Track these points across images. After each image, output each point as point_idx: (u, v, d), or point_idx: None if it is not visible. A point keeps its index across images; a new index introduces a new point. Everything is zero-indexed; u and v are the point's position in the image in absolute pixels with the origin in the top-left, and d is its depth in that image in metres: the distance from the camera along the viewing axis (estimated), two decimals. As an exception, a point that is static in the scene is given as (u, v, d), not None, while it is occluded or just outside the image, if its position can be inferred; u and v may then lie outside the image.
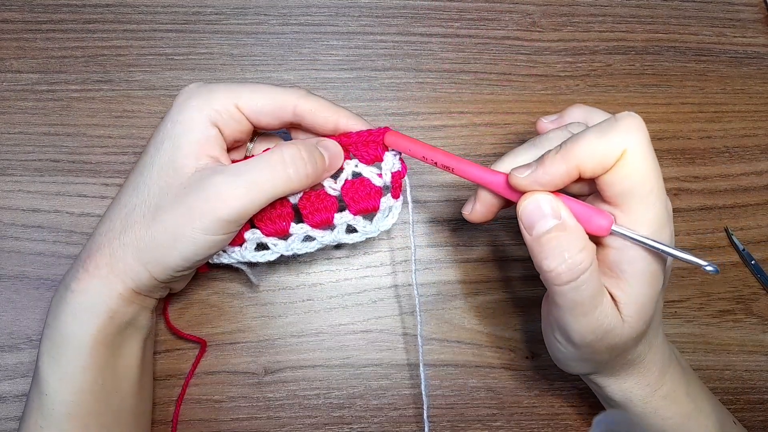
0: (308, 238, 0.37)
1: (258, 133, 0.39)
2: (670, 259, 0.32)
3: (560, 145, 0.31)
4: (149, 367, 0.39)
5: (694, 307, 0.47)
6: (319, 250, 0.38)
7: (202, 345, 0.42)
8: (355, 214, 0.37)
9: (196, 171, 0.33)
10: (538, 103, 0.50)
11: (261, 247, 0.37)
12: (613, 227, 0.30)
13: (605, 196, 0.31)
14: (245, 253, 0.36)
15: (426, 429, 0.37)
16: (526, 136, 0.49)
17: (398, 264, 0.45)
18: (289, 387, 0.43)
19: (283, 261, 0.44)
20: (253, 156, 0.36)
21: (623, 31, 0.53)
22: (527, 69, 0.51)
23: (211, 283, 0.44)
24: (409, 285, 0.45)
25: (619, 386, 0.36)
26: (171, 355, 0.42)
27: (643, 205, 0.30)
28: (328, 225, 0.37)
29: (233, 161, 0.36)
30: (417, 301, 0.38)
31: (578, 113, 0.38)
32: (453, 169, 0.34)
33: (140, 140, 0.45)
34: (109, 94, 0.46)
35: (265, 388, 0.42)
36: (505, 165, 0.34)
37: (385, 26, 0.50)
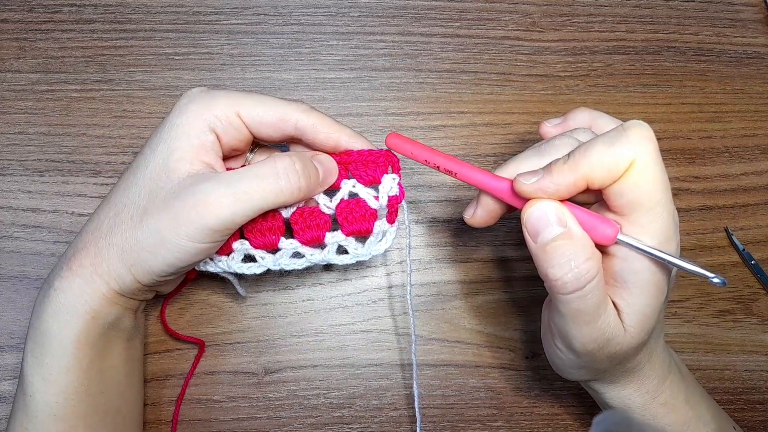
0: (297, 255, 0.36)
1: (258, 144, 0.38)
2: (674, 269, 0.32)
3: (568, 155, 0.30)
4: (138, 368, 0.39)
5: (694, 307, 0.47)
6: (307, 268, 0.37)
7: (200, 345, 0.42)
8: (347, 235, 0.36)
9: (188, 176, 0.32)
10: (538, 103, 0.50)
11: (248, 258, 0.36)
12: (619, 236, 0.30)
13: (611, 206, 0.31)
14: (232, 263, 0.36)
15: (418, 425, 0.37)
16: (527, 136, 0.49)
17: (398, 264, 0.45)
18: (289, 387, 0.43)
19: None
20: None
21: (623, 31, 0.53)
22: (527, 69, 0.51)
23: (211, 283, 0.44)
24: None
25: (617, 393, 0.36)
26: (171, 355, 0.42)
27: (650, 215, 0.30)
28: (318, 243, 0.36)
29: (230, 169, 0.35)
30: (412, 323, 0.38)
31: (582, 117, 0.37)
32: (455, 173, 0.34)
33: (140, 140, 0.45)
34: (109, 94, 0.46)
35: (265, 388, 0.42)
36: (508, 170, 0.34)
37: (385, 26, 0.50)
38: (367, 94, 0.49)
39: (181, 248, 0.32)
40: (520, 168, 0.33)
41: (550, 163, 0.31)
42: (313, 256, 0.36)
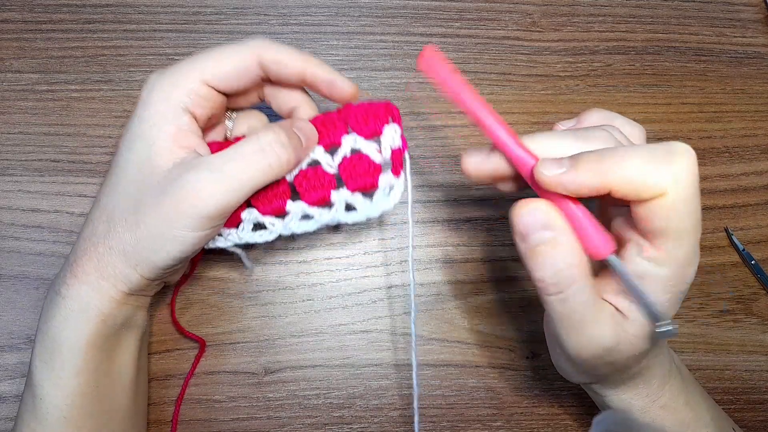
0: (306, 217, 0.36)
1: (234, 109, 0.38)
2: (688, 284, 0.30)
3: (600, 153, 0.28)
4: (144, 367, 0.39)
5: (694, 307, 0.47)
6: (318, 229, 0.36)
7: (201, 344, 0.42)
8: (353, 192, 0.35)
9: (173, 166, 0.32)
10: (538, 103, 0.50)
11: (258, 227, 0.36)
12: (610, 258, 0.29)
13: (638, 228, 0.29)
14: (242, 234, 0.35)
15: (416, 425, 0.37)
16: (526, 136, 0.49)
17: (398, 264, 0.45)
18: (289, 387, 0.43)
19: (283, 261, 0.44)
20: (234, 140, 0.35)
21: (623, 31, 0.53)
22: (527, 69, 0.51)
23: (211, 283, 0.44)
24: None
25: (618, 397, 0.36)
26: (171, 355, 0.42)
27: (675, 243, 0.28)
28: (325, 203, 0.36)
29: (214, 143, 0.35)
30: (411, 282, 0.38)
31: (596, 118, 0.35)
32: (484, 126, 0.31)
33: (140, 140, 0.45)
34: (109, 94, 0.46)
35: (265, 388, 0.42)
36: (537, 143, 0.31)
37: (385, 26, 0.50)
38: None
39: (182, 240, 0.32)
40: (548, 144, 0.31)
41: (578, 157, 0.28)
42: (322, 216, 0.36)
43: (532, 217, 0.29)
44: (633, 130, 0.34)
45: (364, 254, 0.45)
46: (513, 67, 0.51)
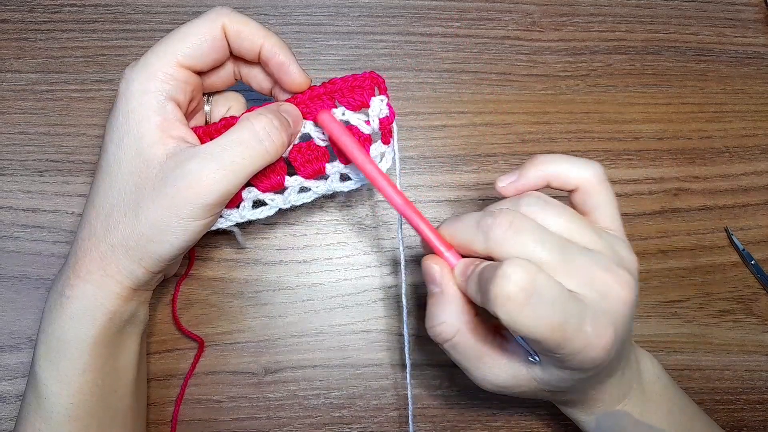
0: (304, 189, 0.37)
1: (210, 93, 0.38)
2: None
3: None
4: (144, 364, 0.39)
5: (694, 307, 0.47)
6: (316, 199, 0.38)
7: (200, 344, 0.42)
8: (345, 164, 0.36)
9: (167, 158, 0.32)
10: (538, 103, 0.50)
11: (258, 204, 0.37)
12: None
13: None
14: (244, 213, 0.36)
15: (410, 425, 0.38)
16: (526, 136, 0.49)
17: (398, 264, 0.45)
18: (289, 387, 0.43)
19: (283, 261, 0.44)
20: (220, 123, 0.35)
21: (623, 31, 0.53)
22: (527, 69, 0.51)
23: (211, 283, 0.44)
24: (410, 285, 0.45)
25: (563, 407, 0.38)
26: (171, 355, 0.42)
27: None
28: (321, 175, 0.37)
29: (198, 128, 0.35)
30: (402, 272, 0.38)
31: (534, 173, 0.35)
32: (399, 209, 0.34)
33: (140, 140, 0.45)
34: (109, 94, 0.46)
35: (265, 388, 0.42)
36: (446, 231, 0.33)
37: (385, 26, 0.50)
38: (367, 94, 0.49)
39: (186, 229, 0.32)
40: (455, 234, 0.33)
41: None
42: (319, 187, 0.37)
43: (426, 270, 0.33)
44: (582, 172, 0.33)
45: (364, 254, 0.45)
46: (513, 67, 0.51)
